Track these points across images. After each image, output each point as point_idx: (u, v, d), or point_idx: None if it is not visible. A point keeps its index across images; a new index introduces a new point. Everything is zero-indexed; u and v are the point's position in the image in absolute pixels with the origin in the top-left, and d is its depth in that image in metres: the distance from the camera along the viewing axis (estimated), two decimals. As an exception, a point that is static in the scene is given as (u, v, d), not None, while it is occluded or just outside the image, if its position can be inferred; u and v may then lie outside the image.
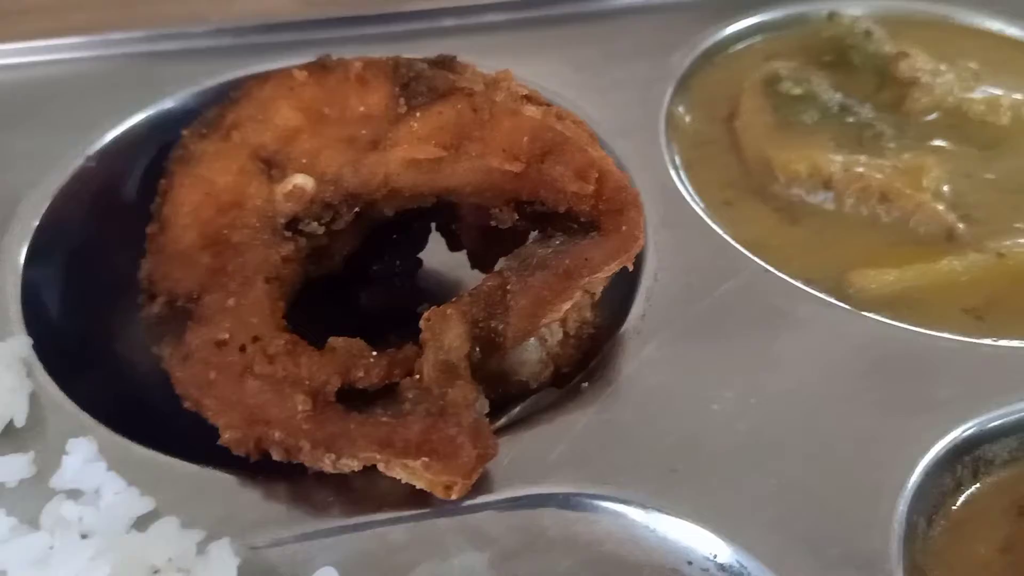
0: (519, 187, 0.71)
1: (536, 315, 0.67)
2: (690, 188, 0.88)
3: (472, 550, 0.61)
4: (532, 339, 0.69)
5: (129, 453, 0.66)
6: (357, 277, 0.82)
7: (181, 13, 1.04)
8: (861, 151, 0.90)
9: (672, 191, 0.87)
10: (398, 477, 0.61)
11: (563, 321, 0.71)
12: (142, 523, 0.61)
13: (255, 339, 0.65)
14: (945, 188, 0.87)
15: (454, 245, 0.84)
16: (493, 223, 0.73)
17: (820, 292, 0.78)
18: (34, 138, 0.87)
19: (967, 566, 0.64)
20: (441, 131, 0.73)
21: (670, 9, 1.08)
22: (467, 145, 0.72)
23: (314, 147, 0.75)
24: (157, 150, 0.85)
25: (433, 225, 0.85)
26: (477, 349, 0.67)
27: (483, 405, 0.63)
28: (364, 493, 0.63)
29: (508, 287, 0.67)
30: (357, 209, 0.75)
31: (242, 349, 0.65)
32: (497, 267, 0.72)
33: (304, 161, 0.75)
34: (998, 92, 0.98)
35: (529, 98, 0.74)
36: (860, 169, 0.86)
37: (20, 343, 0.72)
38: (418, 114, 0.74)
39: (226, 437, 0.63)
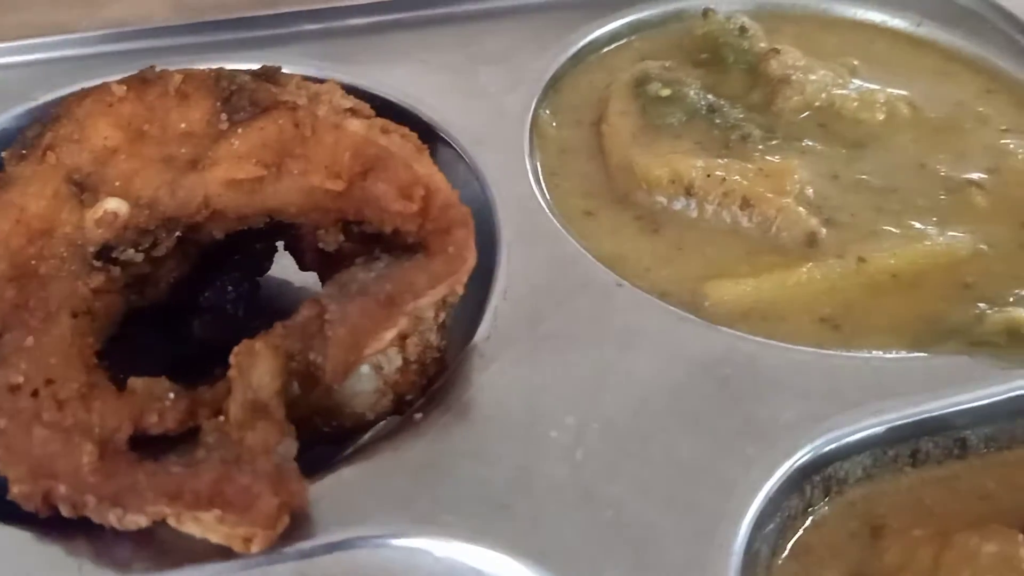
0: (343, 207, 0.68)
1: (358, 345, 0.63)
2: (550, 198, 0.85)
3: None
4: (366, 368, 0.65)
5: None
6: (190, 305, 0.77)
7: (43, 22, 1.01)
8: (727, 154, 0.85)
9: (531, 202, 0.83)
10: (192, 532, 0.57)
11: (402, 347, 0.67)
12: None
13: (48, 382, 0.61)
14: (810, 191, 0.83)
15: (303, 264, 0.79)
16: (320, 245, 0.69)
17: (675, 305, 0.75)
18: None
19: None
20: (263, 148, 0.70)
21: (544, 9, 1.04)
22: (289, 163, 0.69)
23: (130, 168, 0.71)
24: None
25: (281, 244, 0.81)
26: (295, 384, 0.63)
27: (289, 448, 0.58)
28: (168, 546, 0.59)
29: (326, 316, 0.63)
30: (178, 233, 0.71)
31: (34, 394, 0.60)
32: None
33: (118, 184, 0.71)
34: (875, 87, 0.96)
35: (353, 111, 0.70)
36: (721, 173, 0.82)
37: None
38: (239, 130, 0.71)
39: (15, 491, 0.59)
